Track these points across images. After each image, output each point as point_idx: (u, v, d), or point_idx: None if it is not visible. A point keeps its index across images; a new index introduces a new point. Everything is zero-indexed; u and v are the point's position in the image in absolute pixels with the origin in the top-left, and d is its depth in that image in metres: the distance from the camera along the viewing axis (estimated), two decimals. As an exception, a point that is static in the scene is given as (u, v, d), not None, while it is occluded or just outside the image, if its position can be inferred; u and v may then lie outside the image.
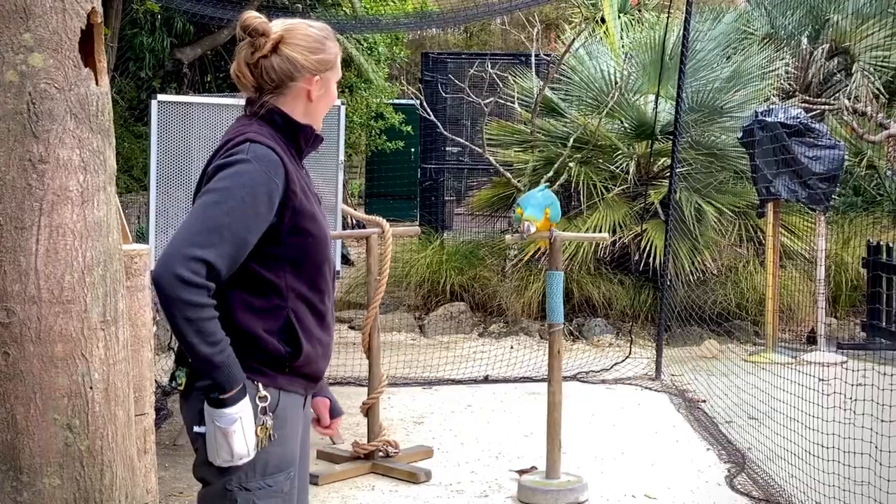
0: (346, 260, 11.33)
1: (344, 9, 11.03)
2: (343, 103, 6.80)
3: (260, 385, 2.59)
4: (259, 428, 2.56)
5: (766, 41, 11.98)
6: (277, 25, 2.69)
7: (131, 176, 8.75)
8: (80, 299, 2.77)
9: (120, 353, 2.91)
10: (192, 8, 8.55)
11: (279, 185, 2.57)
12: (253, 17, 2.66)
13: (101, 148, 2.86)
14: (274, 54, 2.65)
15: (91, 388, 2.79)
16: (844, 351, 8.99)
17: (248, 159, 2.55)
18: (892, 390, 5.18)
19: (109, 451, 2.85)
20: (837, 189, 9.66)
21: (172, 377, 2.70)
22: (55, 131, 2.74)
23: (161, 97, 5.99)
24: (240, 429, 2.52)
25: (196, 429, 2.60)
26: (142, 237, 6.57)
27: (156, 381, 4.97)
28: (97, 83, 2.86)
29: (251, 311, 2.60)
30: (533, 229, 5.38)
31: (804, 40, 12.07)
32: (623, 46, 11.61)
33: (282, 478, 2.63)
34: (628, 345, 9.09)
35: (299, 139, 2.69)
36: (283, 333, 2.62)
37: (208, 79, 10.70)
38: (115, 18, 8.51)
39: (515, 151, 11.20)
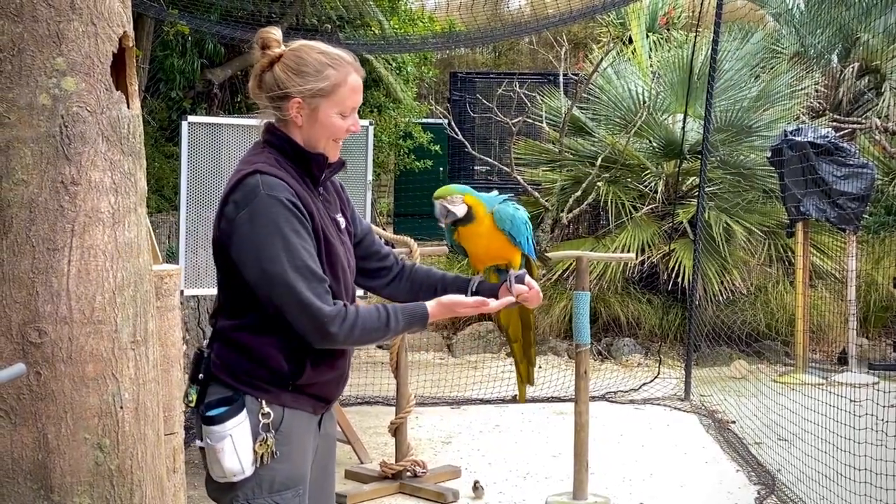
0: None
1: (373, 29, 11.08)
2: (372, 123, 6.84)
3: (263, 402, 2.62)
4: (259, 444, 2.58)
5: (794, 60, 11.94)
6: (292, 44, 2.71)
7: (162, 196, 8.80)
8: (110, 319, 2.79)
9: (150, 372, 2.92)
10: (222, 30, 8.62)
11: (298, 205, 2.60)
12: (267, 31, 2.70)
13: (133, 170, 2.89)
14: (269, 70, 2.68)
15: (121, 407, 2.81)
16: (876, 372, 8.91)
17: (264, 194, 2.57)
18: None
19: (139, 470, 2.86)
20: (868, 208, 9.60)
21: (186, 394, 2.73)
22: (87, 154, 2.76)
23: (191, 118, 6.04)
24: (230, 446, 2.55)
25: (198, 443, 2.65)
26: (172, 257, 6.61)
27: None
28: (129, 106, 2.88)
29: (258, 331, 2.63)
30: (460, 210, 3.04)
31: (834, 59, 12.03)
32: (651, 66, 11.61)
33: (289, 495, 2.64)
34: (657, 365, 9.05)
35: (311, 167, 2.70)
36: (289, 353, 2.63)
37: (238, 100, 10.76)
38: (146, 40, 8.59)
39: (543, 170, 11.20)
